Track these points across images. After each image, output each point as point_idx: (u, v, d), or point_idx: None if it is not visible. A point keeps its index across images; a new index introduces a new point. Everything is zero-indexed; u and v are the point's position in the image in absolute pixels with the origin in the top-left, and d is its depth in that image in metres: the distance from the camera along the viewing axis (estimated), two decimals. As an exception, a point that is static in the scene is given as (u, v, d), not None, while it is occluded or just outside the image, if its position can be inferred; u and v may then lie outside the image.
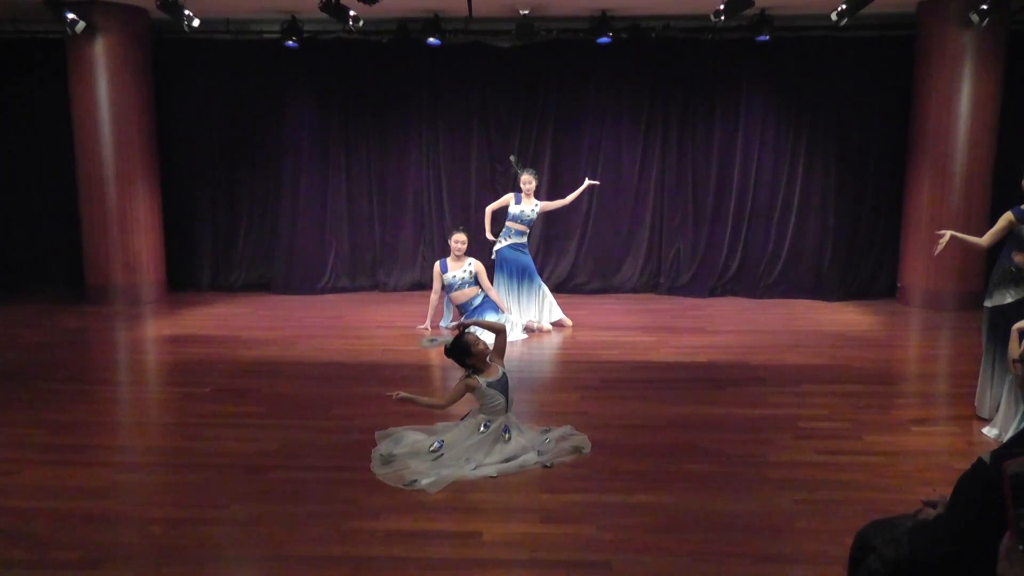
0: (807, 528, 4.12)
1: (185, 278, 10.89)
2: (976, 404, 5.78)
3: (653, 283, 10.74)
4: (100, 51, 9.53)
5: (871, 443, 5.31)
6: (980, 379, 5.74)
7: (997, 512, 1.91)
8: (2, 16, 9.85)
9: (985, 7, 8.41)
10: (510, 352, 5.42)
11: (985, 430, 5.40)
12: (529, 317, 8.62)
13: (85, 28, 9.16)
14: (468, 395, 5.10)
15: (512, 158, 9.18)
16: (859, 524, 3.01)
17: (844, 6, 8.46)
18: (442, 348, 5.35)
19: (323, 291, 10.77)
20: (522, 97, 10.53)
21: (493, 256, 8.76)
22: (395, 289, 10.81)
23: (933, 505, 2.67)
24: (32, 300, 10.27)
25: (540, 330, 8.57)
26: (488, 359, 5.14)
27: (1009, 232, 5.53)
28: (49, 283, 10.95)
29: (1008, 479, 1.79)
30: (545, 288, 8.82)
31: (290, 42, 9.90)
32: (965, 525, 2.51)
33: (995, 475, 1.94)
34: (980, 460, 2.31)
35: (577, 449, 5.11)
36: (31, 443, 5.36)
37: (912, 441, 5.36)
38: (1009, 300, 5.47)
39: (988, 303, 5.64)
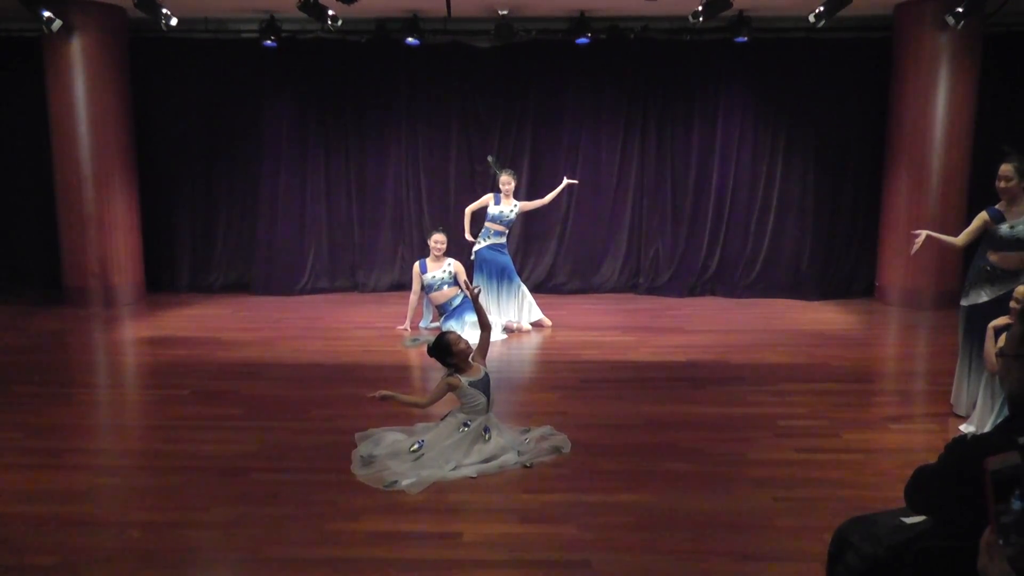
0: (786, 526, 4.15)
1: (163, 279, 10.81)
2: (953, 401, 5.84)
3: (632, 283, 10.77)
4: (77, 50, 9.44)
5: (849, 441, 5.35)
6: (956, 377, 5.80)
7: (976, 506, 1.93)
8: (-24, 15, 9.76)
9: (961, 10, 8.50)
10: (489, 353, 5.41)
11: (962, 427, 5.45)
12: (508, 317, 8.62)
13: (61, 27, 9.06)
14: (449, 395, 5.10)
15: (490, 159, 9.18)
16: (837, 521, 3.03)
17: (822, 8, 8.51)
18: (424, 347, 5.34)
19: (302, 292, 10.72)
20: (501, 97, 10.53)
21: (472, 257, 8.76)
22: (374, 290, 10.78)
23: None
24: (8, 302, 10.15)
25: (519, 330, 8.57)
26: (471, 359, 5.14)
27: (984, 231, 5.59)
28: (26, 285, 10.83)
29: (989, 475, 1.81)
30: (524, 288, 8.82)
31: (268, 41, 9.85)
32: (944, 521, 2.54)
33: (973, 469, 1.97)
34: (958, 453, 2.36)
35: (557, 449, 5.11)
36: (8, 447, 5.30)
37: (890, 439, 5.41)
38: (984, 299, 5.53)
39: (964, 302, 5.70)
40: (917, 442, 5.38)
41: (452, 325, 7.94)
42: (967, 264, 6.00)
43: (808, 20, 8.72)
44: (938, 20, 8.89)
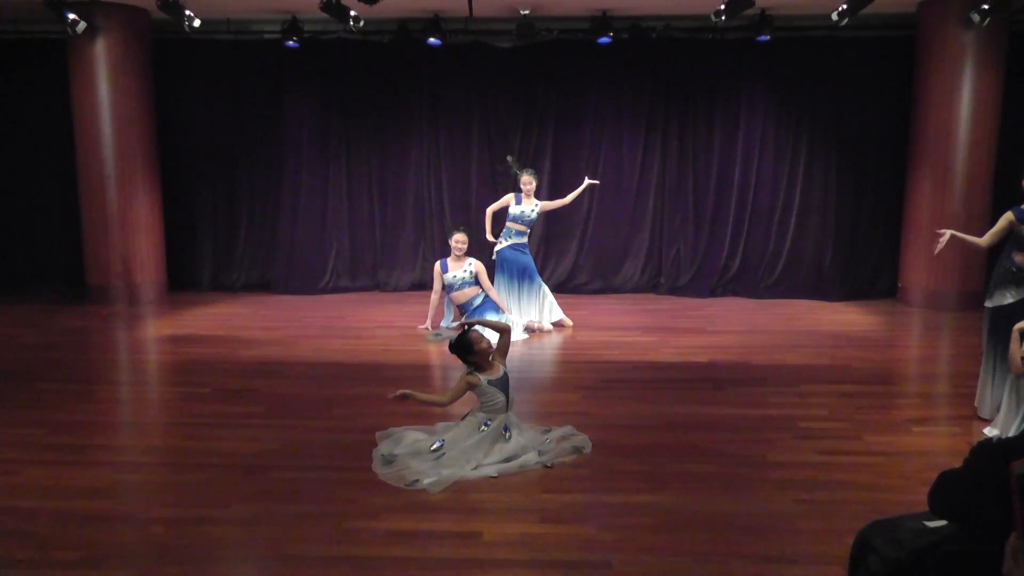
0: (807, 528, 4.12)
1: (185, 278, 10.90)
2: (977, 404, 5.78)
3: (654, 283, 10.74)
4: (101, 51, 9.54)
5: (871, 443, 5.31)
6: (981, 379, 5.74)
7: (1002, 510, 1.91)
8: (3, 17, 9.86)
9: (986, 7, 8.40)
10: (511, 352, 5.42)
11: (986, 430, 5.40)
12: (529, 317, 8.62)
13: (86, 28, 9.16)
14: (469, 394, 5.11)
15: (509, 158, 9.18)
16: (859, 524, 3.01)
17: (844, 6, 8.46)
18: (446, 344, 5.35)
19: (323, 291, 10.77)
20: (522, 97, 10.53)
21: (494, 257, 8.76)
22: (395, 289, 10.81)
23: None
24: (32, 300, 10.27)
25: (540, 330, 8.57)
26: (491, 357, 5.14)
27: (1009, 232, 5.53)
28: (49, 283, 10.96)
29: (1015, 479, 1.79)
30: (545, 288, 8.81)
31: (291, 42, 9.90)
32: (969, 525, 2.51)
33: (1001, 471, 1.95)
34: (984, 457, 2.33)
35: (578, 449, 5.10)
36: (32, 443, 5.36)
37: (912, 441, 5.36)
38: (1009, 300, 5.47)
39: (989, 303, 5.64)
40: (940, 445, 5.33)
41: (472, 325, 7.94)
42: (992, 265, 5.93)
43: (831, 18, 8.67)
44: (962, 18, 8.80)
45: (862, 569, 2.82)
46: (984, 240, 5.70)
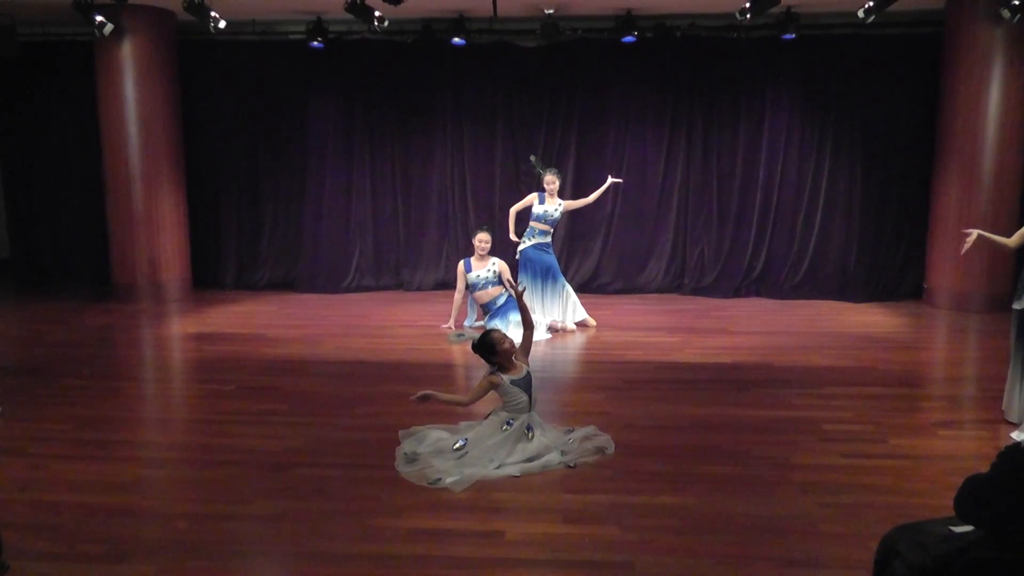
0: (831, 532, 4.09)
1: (210, 276, 10.98)
2: (1004, 408, 5.70)
3: (677, 283, 10.69)
4: (127, 53, 9.62)
5: (896, 446, 5.26)
6: (1008, 382, 5.66)
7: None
8: (31, 19, 9.96)
9: (1017, 2, 8.27)
10: (534, 352, 5.41)
11: (1014, 434, 5.33)
12: (553, 317, 8.61)
13: (113, 30, 9.24)
14: (491, 393, 5.11)
15: (533, 158, 9.17)
16: (884, 528, 2.99)
17: (871, 3, 8.36)
18: (468, 344, 5.35)
19: (347, 290, 10.81)
20: (546, 97, 10.52)
21: (517, 256, 8.75)
22: (419, 288, 10.84)
23: None
24: (59, 298, 10.39)
25: (564, 330, 8.56)
26: (513, 357, 5.14)
27: (1039, 233, 5.46)
28: (76, 281, 11.08)
29: None
30: (569, 288, 8.80)
31: (315, 43, 9.95)
32: (996, 531, 2.49)
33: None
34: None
35: (600, 450, 5.10)
36: (58, 438, 5.43)
37: (938, 445, 5.31)
38: (1038, 303, 5.40)
39: (1017, 305, 5.56)
40: (966, 449, 5.27)
41: (497, 324, 7.95)
42: (1020, 266, 5.85)
43: (857, 16, 8.58)
44: (992, 14, 8.67)
45: (887, 574, 2.80)
46: (1012, 241, 5.63)
